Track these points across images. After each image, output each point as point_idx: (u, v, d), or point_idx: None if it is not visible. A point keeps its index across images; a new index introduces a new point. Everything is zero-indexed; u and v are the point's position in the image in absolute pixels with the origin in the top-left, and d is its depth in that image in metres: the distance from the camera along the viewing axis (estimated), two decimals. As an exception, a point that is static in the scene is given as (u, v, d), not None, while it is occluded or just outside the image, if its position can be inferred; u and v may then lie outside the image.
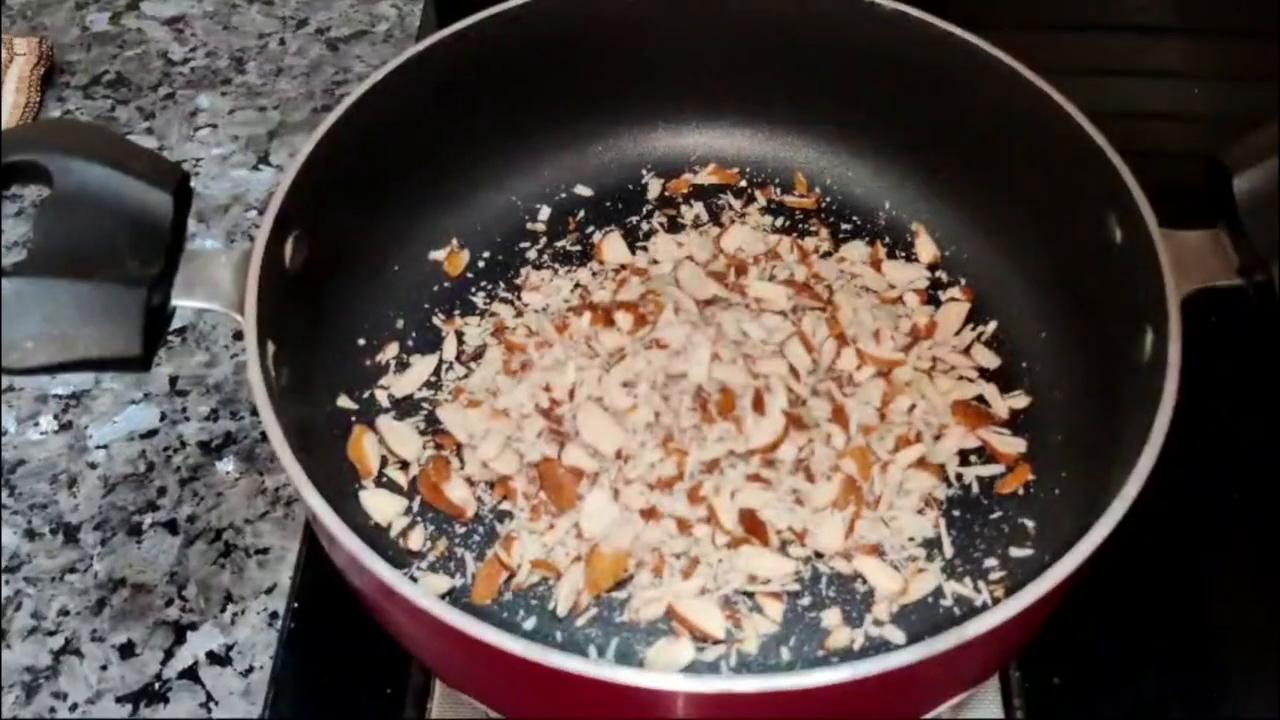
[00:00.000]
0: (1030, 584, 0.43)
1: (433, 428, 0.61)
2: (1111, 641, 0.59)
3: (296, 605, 0.60)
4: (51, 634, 0.61)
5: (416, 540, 0.58)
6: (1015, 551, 0.57)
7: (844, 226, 0.70)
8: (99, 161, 0.51)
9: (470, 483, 0.59)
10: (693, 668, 0.53)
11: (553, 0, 0.65)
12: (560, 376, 0.60)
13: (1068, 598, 0.46)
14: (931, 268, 0.68)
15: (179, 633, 0.61)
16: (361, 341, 0.64)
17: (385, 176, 0.64)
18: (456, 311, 0.66)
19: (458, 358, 0.64)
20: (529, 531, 0.57)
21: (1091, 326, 0.59)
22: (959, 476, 0.59)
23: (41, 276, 0.49)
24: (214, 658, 0.60)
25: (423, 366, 0.64)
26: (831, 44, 0.67)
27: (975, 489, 0.59)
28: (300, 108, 0.87)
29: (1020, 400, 0.62)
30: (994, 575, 0.56)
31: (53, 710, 0.59)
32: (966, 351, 0.64)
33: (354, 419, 0.61)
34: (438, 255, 0.68)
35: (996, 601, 0.55)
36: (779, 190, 0.72)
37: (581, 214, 0.71)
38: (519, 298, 0.67)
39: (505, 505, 0.59)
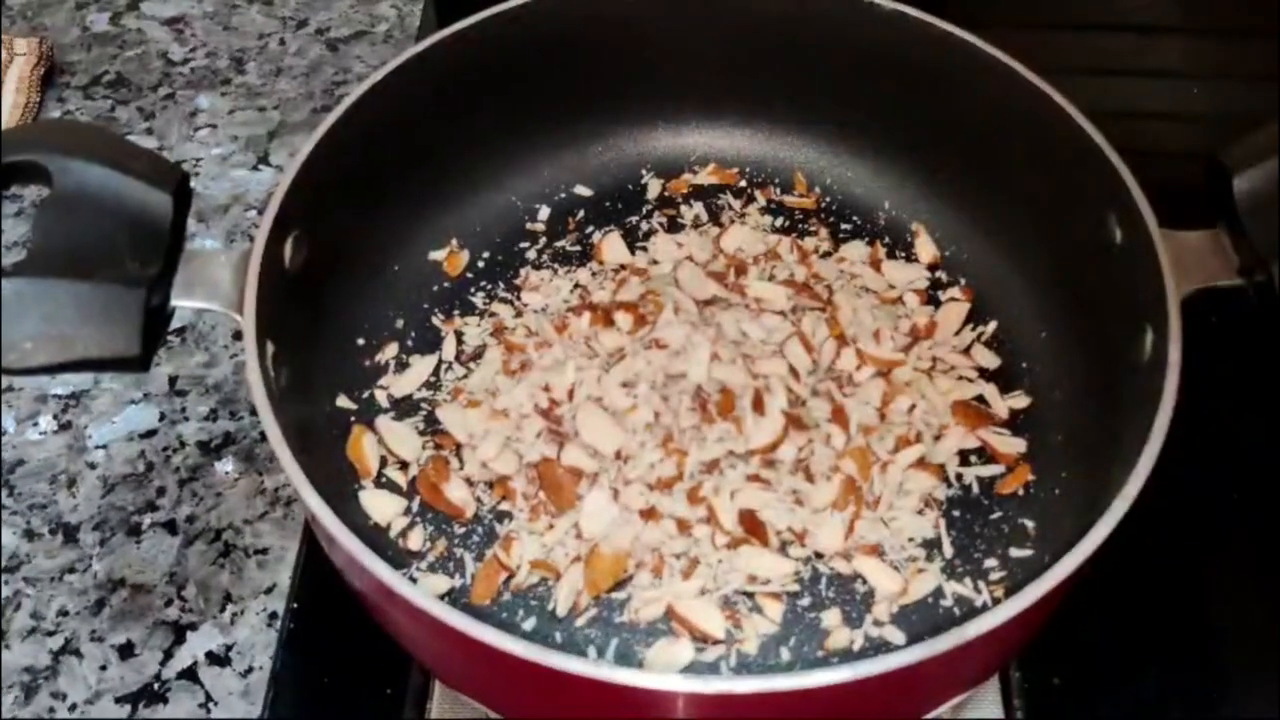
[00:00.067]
0: (1030, 584, 0.43)
1: (432, 428, 0.61)
2: (1111, 642, 0.59)
3: (296, 605, 0.60)
4: (51, 634, 0.61)
5: (416, 540, 0.58)
6: (1015, 552, 0.57)
7: (844, 226, 0.70)
8: (99, 162, 0.51)
9: (470, 483, 0.59)
10: (692, 668, 0.53)
11: (553, 0, 0.65)
12: (560, 377, 0.60)
13: (1068, 598, 0.46)
14: (931, 268, 0.68)
15: (178, 633, 0.61)
16: (361, 341, 0.64)
17: (385, 176, 0.63)
18: (456, 311, 0.66)
19: (457, 358, 0.64)
20: (528, 532, 0.57)
21: (1091, 326, 0.59)
22: (959, 477, 0.59)
23: (41, 276, 0.49)
24: (213, 658, 0.60)
25: (422, 367, 0.64)
26: (831, 44, 0.67)
27: (975, 489, 0.59)
28: (300, 108, 0.87)
29: (1020, 400, 0.62)
30: (994, 575, 0.56)
31: (52, 710, 0.59)
32: (966, 352, 0.64)
33: (353, 419, 0.61)
34: (437, 255, 0.68)
35: (997, 602, 0.55)
36: (779, 190, 0.72)
37: (581, 214, 0.71)
38: (518, 298, 0.67)
39: (505, 505, 0.59)
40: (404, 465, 0.60)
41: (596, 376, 0.60)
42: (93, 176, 0.50)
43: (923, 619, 0.55)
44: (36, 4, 0.95)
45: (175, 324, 0.71)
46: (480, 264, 0.69)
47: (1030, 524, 0.58)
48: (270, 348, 0.51)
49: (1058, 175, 0.59)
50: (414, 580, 0.56)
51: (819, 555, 0.57)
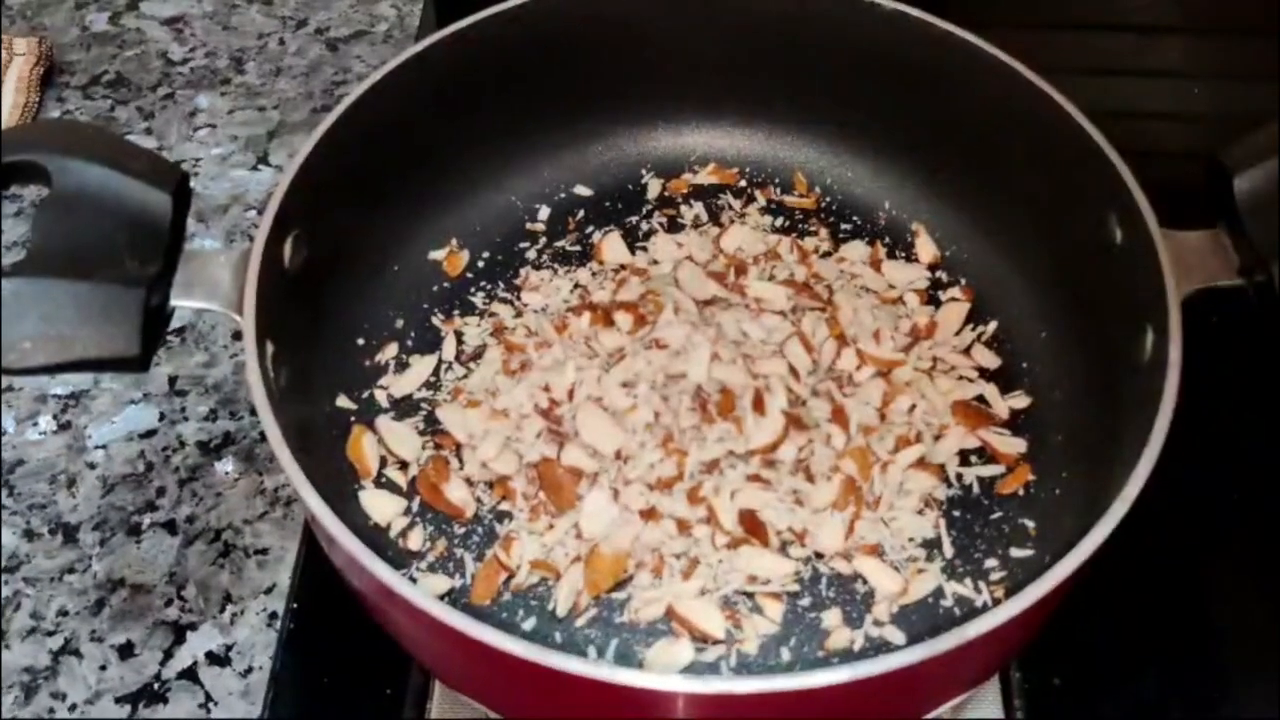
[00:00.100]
0: (1031, 584, 0.43)
1: (432, 428, 0.61)
2: (1112, 642, 0.59)
3: (296, 605, 0.60)
4: (50, 634, 0.61)
5: (416, 541, 0.58)
6: (1016, 552, 0.57)
7: (844, 226, 0.70)
8: (98, 161, 0.51)
9: (469, 483, 0.59)
10: (692, 668, 0.53)
11: (552, 0, 0.65)
12: (560, 377, 0.60)
13: (1068, 598, 0.46)
14: (932, 268, 0.68)
15: (178, 633, 0.61)
16: (361, 341, 0.64)
17: (385, 176, 0.63)
18: (456, 311, 0.66)
19: (457, 358, 0.64)
20: (528, 532, 0.57)
21: (1092, 326, 0.59)
22: (959, 477, 0.59)
23: (40, 276, 0.49)
24: (213, 658, 0.60)
25: (422, 367, 0.64)
26: (831, 44, 0.67)
27: (975, 489, 0.59)
28: (300, 108, 0.87)
29: (1020, 400, 0.62)
30: (994, 576, 0.56)
31: (52, 710, 0.59)
32: (967, 352, 0.64)
33: (353, 419, 0.61)
34: (437, 255, 0.68)
35: (997, 602, 0.55)
36: (779, 190, 0.72)
37: (581, 214, 0.71)
38: (518, 298, 0.67)
39: (505, 505, 0.58)
40: (404, 465, 0.60)
41: (596, 376, 0.60)
42: (92, 176, 0.50)
43: (923, 619, 0.55)
44: (36, 4, 0.95)
45: (175, 324, 0.71)
46: (480, 264, 0.69)
47: (1030, 524, 0.58)
48: (270, 348, 0.51)
49: (1058, 175, 0.59)
50: (414, 580, 0.56)
51: (819, 555, 0.57)
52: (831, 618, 0.55)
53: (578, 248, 0.69)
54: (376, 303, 0.65)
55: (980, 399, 0.62)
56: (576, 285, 0.67)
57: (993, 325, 0.65)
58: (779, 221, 0.70)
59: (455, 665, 0.50)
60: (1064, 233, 0.61)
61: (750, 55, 0.69)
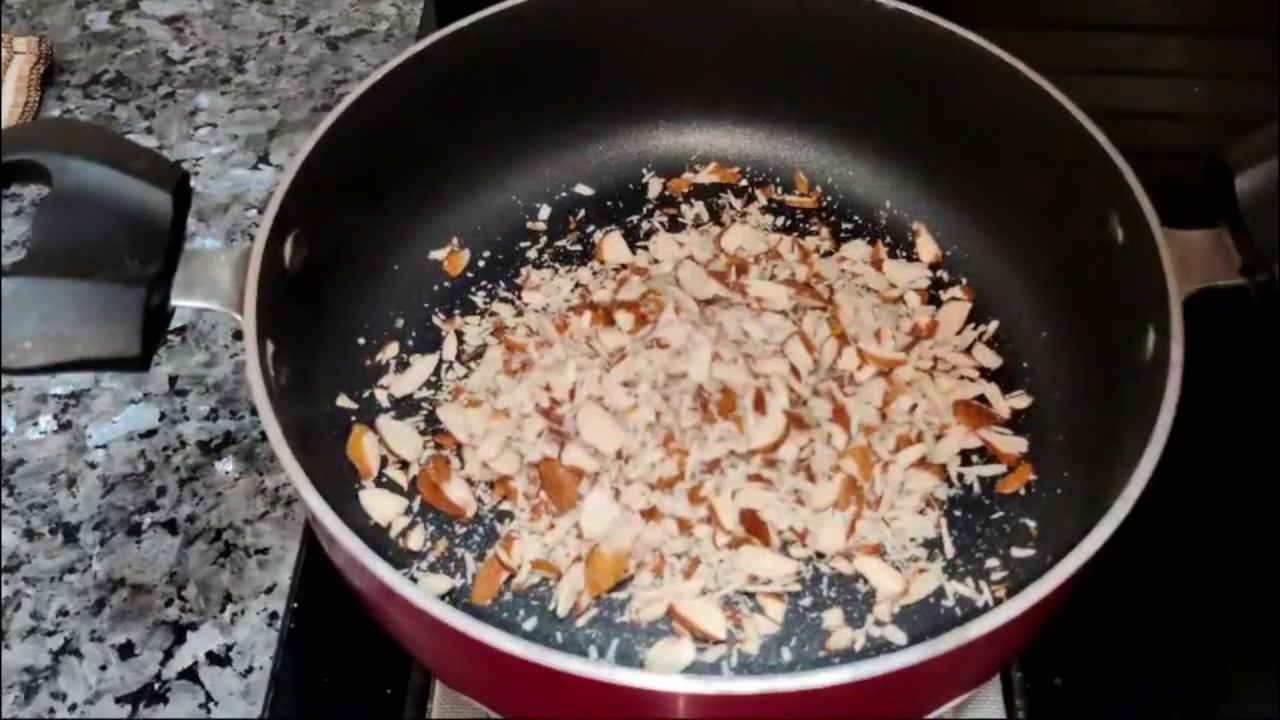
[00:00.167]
0: (1032, 584, 0.43)
1: (433, 427, 0.61)
2: (1113, 642, 0.59)
3: (296, 605, 0.60)
4: (51, 634, 0.61)
5: (416, 540, 0.58)
6: (1017, 552, 0.57)
7: (845, 226, 0.70)
8: (98, 161, 0.51)
9: (470, 483, 0.59)
10: (693, 668, 0.53)
11: (553, 0, 0.65)
12: (560, 376, 0.60)
13: (1069, 598, 0.46)
14: (933, 267, 0.68)
15: (178, 633, 0.61)
16: (361, 341, 0.64)
17: (385, 176, 0.63)
18: (456, 311, 0.66)
19: (458, 357, 0.64)
20: (529, 532, 0.57)
21: (1093, 326, 0.59)
22: (960, 476, 0.59)
23: (40, 276, 0.49)
24: (213, 658, 0.60)
25: (423, 366, 0.63)
26: (832, 43, 0.67)
27: (977, 489, 0.59)
28: (300, 107, 0.87)
29: (1022, 400, 0.62)
30: (996, 575, 0.56)
31: (52, 710, 0.59)
32: (968, 351, 0.64)
33: (354, 419, 0.61)
34: (438, 255, 0.68)
35: (998, 602, 0.55)
36: (780, 189, 0.72)
37: (582, 213, 0.71)
38: (519, 297, 0.67)
39: (505, 505, 0.58)
40: (404, 465, 0.60)
41: (597, 376, 0.60)
42: (92, 175, 0.50)
43: (924, 619, 0.55)
44: (36, 3, 0.95)
45: (175, 323, 0.71)
46: (481, 263, 0.69)
47: (1032, 524, 0.58)
48: (270, 347, 0.51)
49: (1059, 174, 0.59)
50: (414, 580, 0.56)
51: (820, 555, 0.57)
52: (833, 618, 0.55)
53: (579, 247, 0.69)
54: (377, 302, 0.65)
55: (981, 398, 0.62)
56: (577, 284, 0.67)
57: (994, 325, 0.65)
58: (780, 221, 0.70)
59: (456, 665, 0.50)
60: (1065, 232, 0.61)
61: (751, 54, 0.69)
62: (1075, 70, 0.68)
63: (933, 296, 0.67)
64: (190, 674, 0.60)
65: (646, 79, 0.70)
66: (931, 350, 0.63)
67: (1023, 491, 0.59)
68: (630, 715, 0.43)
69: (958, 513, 0.58)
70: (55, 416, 0.70)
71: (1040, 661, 0.58)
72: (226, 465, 0.67)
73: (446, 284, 0.67)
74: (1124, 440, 0.49)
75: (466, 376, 0.63)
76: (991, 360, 0.63)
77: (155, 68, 0.90)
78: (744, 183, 0.72)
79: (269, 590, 0.62)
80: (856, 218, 0.70)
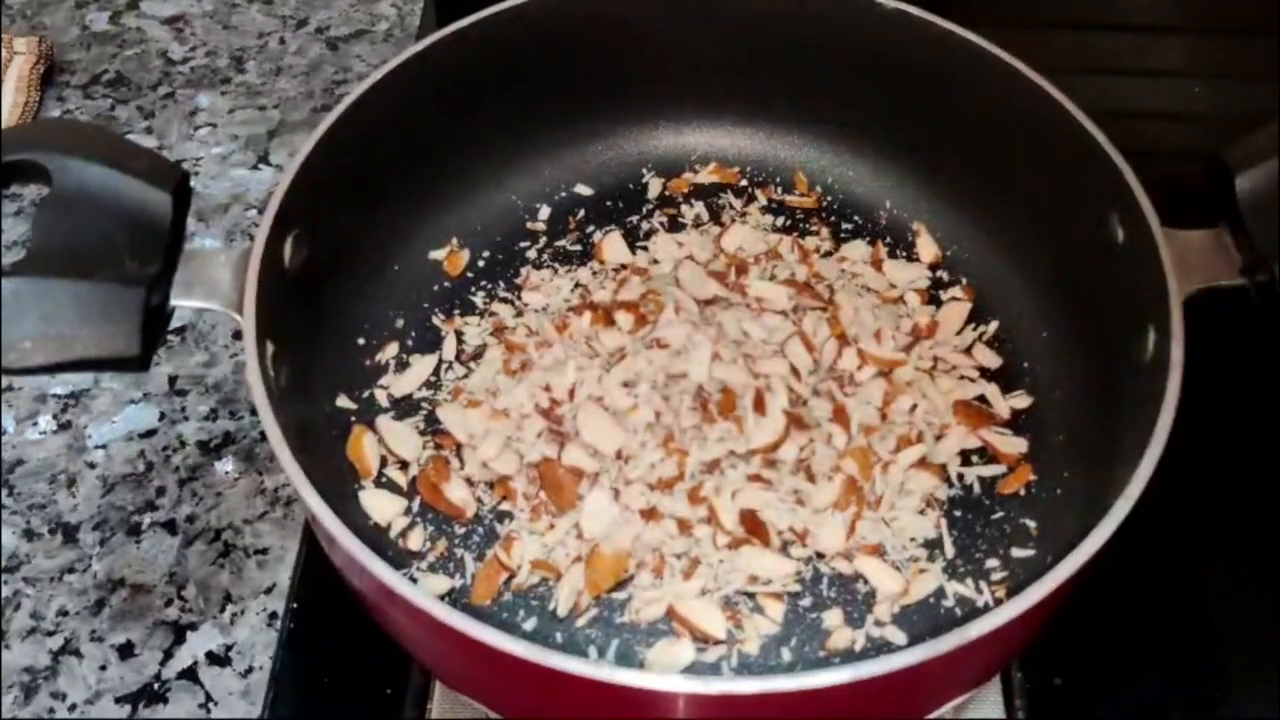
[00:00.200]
0: (1033, 585, 0.43)
1: (432, 428, 0.61)
2: (1113, 642, 0.59)
3: (296, 605, 0.60)
4: (50, 634, 0.61)
5: (416, 540, 0.58)
6: (1017, 552, 0.57)
7: (845, 226, 0.70)
8: (98, 161, 0.51)
9: (470, 483, 0.59)
10: (693, 669, 0.53)
11: (553, 0, 0.65)
12: (560, 376, 0.60)
13: (1069, 598, 0.46)
14: (933, 267, 0.68)
15: (178, 633, 0.61)
16: (361, 341, 0.64)
17: (385, 176, 0.63)
18: (456, 311, 0.66)
19: (457, 357, 0.64)
20: (529, 532, 0.57)
21: (1093, 326, 0.59)
22: (960, 477, 0.59)
23: (40, 276, 0.49)
24: (213, 658, 0.60)
25: (422, 366, 0.63)
26: (832, 43, 0.67)
27: (977, 489, 0.59)
28: (300, 107, 0.87)
29: (1022, 400, 0.62)
30: (996, 576, 0.56)
31: (51, 710, 0.59)
32: (968, 351, 0.64)
33: (353, 419, 0.61)
34: (437, 255, 0.68)
35: (998, 602, 0.55)
36: (780, 189, 0.72)
37: (582, 213, 0.71)
38: (519, 297, 0.67)
39: (505, 505, 0.58)
40: (404, 465, 0.60)
41: (597, 376, 0.60)
42: (92, 175, 0.50)
43: (924, 619, 0.55)
44: (36, 3, 0.95)
45: (175, 323, 0.71)
46: (480, 263, 0.68)
47: (1032, 524, 0.58)
48: (270, 347, 0.51)
49: (1059, 174, 0.59)
50: (414, 580, 0.56)
51: (820, 555, 0.57)
52: (833, 618, 0.55)
53: (578, 247, 0.69)
54: (377, 302, 0.65)
55: (981, 399, 0.62)
56: (577, 285, 0.67)
57: (994, 325, 0.65)
58: (780, 221, 0.70)
59: (456, 665, 0.50)
60: (1065, 232, 0.60)
61: (751, 54, 0.69)
62: (1075, 70, 0.68)
63: (933, 296, 0.67)
64: (190, 674, 0.60)
65: (646, 79, 0.70)
66: (931, 350, 0.63)
67: (1023, 492, 0.59)
68: (630, 715, 0.43)
69: (958, 513, 0.58)
70: (55, 416, 0.70)
71: (1040, 662, 0.58)
72: (226, 465, 0.67)
73: (446, 284, 0.67)
74: (1124, 440, 0.49)
75: (466, 376, 0.63)
76: (991, 360, 0.63)
77: (155, 68, 0.90)
78: (744, 183, 0.72)
79: (269, 590, 0.62)
80: (856, 218, 0.70)
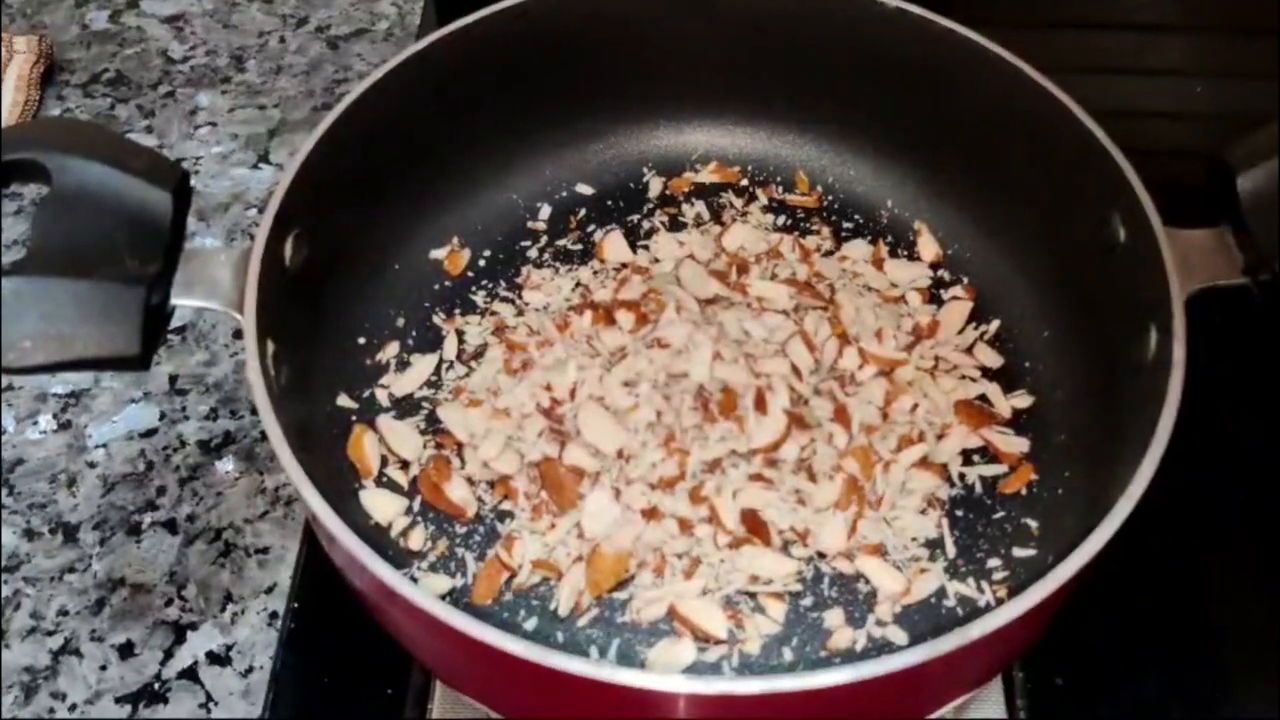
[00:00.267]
0: (1034, 584, 0.43)
1: (433, 427, 0.61)
2: (1114, 642, 0.59)
3: (296, 605, 0.60)
4: (50, 634, 0.61)
5: (417, 540, 0.58)
6: (1018, 551, 0.57)
7: (846, 225, 0.70)
8: (98, 160, 0.51)
9: (471, 482, 0.59)
10: (694, 668, 0.53)
11: (553, -1, 0.65)
12: (561, 376, 0.60)
13: (1070, 598, 0.46)
14: (934, 266, 0.68)
15: (179, 633, 0.61)
16: (362, 340, 0.64)
17: (385, 175, 0.63)
18: (457, 310, 0.66)
19: (458, 357, 0.64)
20: (530, 531, 0.57)
21: (1094, 326, 0.59)
22: (962, 476, 0.59)
23: (40, 275, 0.48)
24: (214, 658, 0.60)
25: (423, 366, 0.63)
26: (833, 42, 0.67)
27: (978, 489, 0.59)
28: (300, 106, 0.87)
29: (1023, 400, 0.62)
30: (997, 575, 0.56)
31: (52, 710, 0.59)
32: (969, 351, 0.64)
33: (354, 418, 0.61)
34: (438, 254, 0.68)
35: (1000, 602, 0.55)
36: (781, 189, 0.72)
37: (583, 212, 0.71)
38: (520, 297, 0.67)
39: (506, 505, 0.58)
40: (405, 465, 0.60)
41: (598, 375, 0.59)
42: (92, 175, 0.50)
43: (926, 619, 0.55)
44: (36, 2, 0.95)
45: (175, 323, 0.71)
46: (481, 263, 0.68)
47: (1033, 523, 0.58)
48: (270, 346, 0.51)
49: (1061, 174, 0.59)
50: (415, 580, 0.56)
51: (821, 555, 0.57)
52: (834, 618, 0.55)
53: (579, 246, 0.69)
54: (377, 301, 0.65)
55: (983, 398, 0.62)
56: (578, 284, 0.67)
57: (995, 324, 0.65)
58: (781, 220, 0.70)
59: (456, 665, 0.50)
60: (1066, 231, 0.60)
61: (751, 54, 0.69)
62: (1077, 69, 0.68)
63: (934, 296, 0.67)
64: (190, 674, 0.60)
65: (647, 78, 0.70)
66: (933, 350, 0.63)
67: (1024, 491, 0.59)
68: (631, 715, 0.43)
69: (959, 512, 0.58)
70: (55, 416, 0.70)
71: (1042, 661, 0.58)
72: (226, 465, 0.67)
73: (447, 283, 0.67)
74: (1126, 440, 0.49)
75: (467, 376, 0.63)
76: (993, 360, 0.63)
77: (155, 67, 0.90)
78: (745, 182, 0.72)
79: (269, 590, 0.62)
80: (857, 217, 0.70)
